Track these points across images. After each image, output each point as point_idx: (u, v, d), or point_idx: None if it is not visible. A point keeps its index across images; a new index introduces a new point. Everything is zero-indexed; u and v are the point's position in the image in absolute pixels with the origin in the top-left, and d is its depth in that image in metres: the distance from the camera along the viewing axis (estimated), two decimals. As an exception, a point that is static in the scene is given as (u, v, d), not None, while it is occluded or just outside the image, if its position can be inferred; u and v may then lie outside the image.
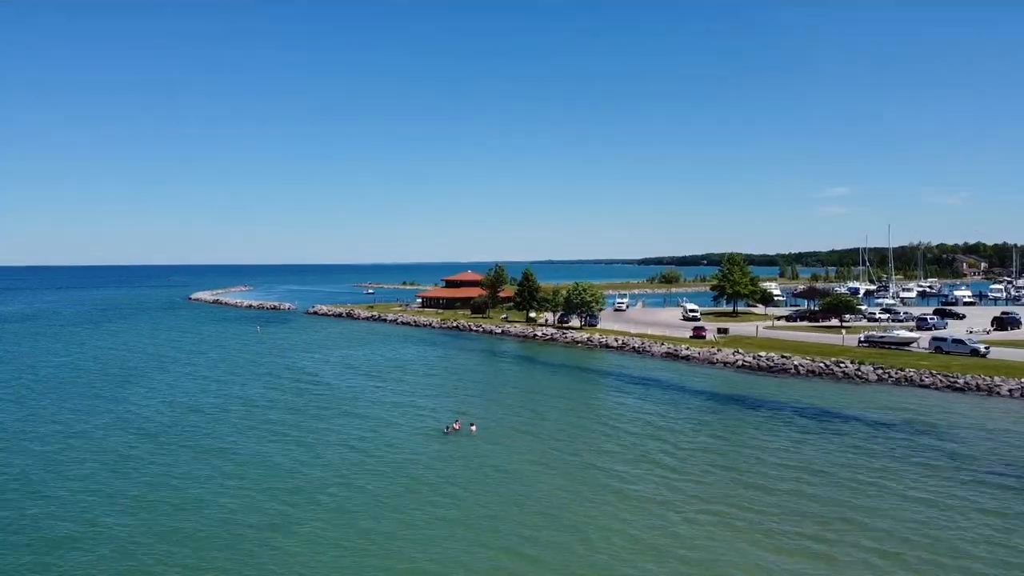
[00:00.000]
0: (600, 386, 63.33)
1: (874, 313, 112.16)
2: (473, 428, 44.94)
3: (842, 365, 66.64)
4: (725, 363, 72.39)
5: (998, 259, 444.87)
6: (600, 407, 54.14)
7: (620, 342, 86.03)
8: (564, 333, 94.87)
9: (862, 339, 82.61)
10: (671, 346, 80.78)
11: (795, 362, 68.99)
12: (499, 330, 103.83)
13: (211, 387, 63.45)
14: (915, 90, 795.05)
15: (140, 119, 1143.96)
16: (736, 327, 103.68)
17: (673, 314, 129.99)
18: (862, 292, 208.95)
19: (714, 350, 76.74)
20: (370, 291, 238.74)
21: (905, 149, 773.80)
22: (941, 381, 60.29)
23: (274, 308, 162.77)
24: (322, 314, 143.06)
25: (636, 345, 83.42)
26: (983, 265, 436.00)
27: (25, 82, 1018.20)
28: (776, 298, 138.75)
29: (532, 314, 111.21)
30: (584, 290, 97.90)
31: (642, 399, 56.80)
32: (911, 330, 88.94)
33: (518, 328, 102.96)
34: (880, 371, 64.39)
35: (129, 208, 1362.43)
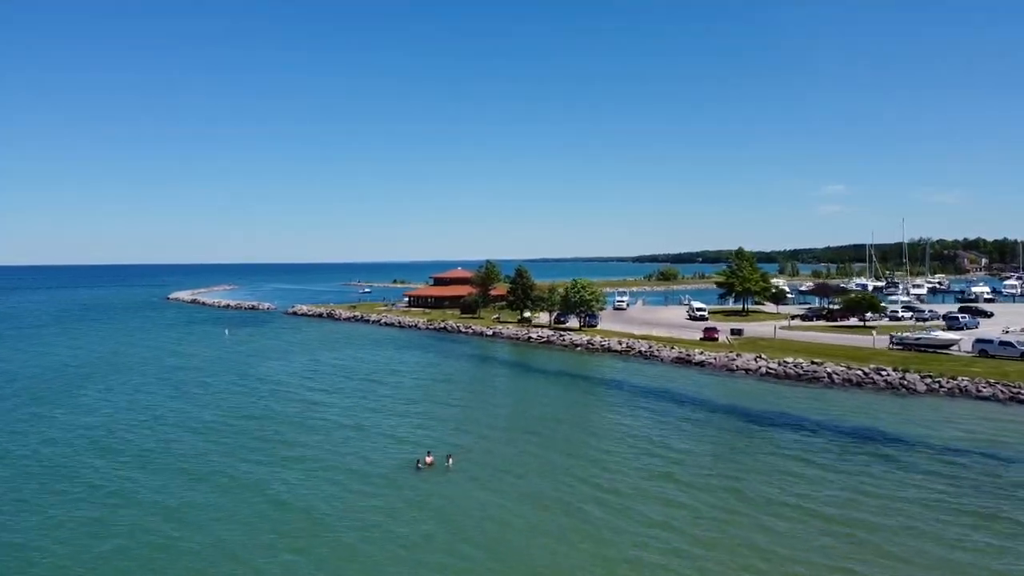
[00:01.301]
0: (603, 399, 54.28)
1: (896, 312, 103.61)
2: (450, 461, 35.87)
3: (884, 373, 57.78)
4: (746, 370, 63.48)
5: (998, 254, 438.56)
6: (603, 427, 45.13)
7: (624, 345, 77.05)
8: (561, 335, 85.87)
9: (893, 341, 73.91)
10: (682, 350, 71.84)
11: (827, 369, 60.12)
12: (490, 332, 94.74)
13: (145, 402, 54.12)
14: (910, 89, 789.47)
15: (140, 119, 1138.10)
16: (749, 327, 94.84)
17: (677, 313, 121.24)
18: (870, 289, 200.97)
19: (732, 355, 67.83)
20: (366, 289, 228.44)
21: (900, 147, 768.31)
22: (1003, 392, 51.56)
23: (252, 308, 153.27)
24: (301, 314, 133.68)
25: (642, 349, 74.46)
26: (984, 261, 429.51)
27: (25, 82, 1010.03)
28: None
29: (527, 313, 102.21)
30: (583, 288, 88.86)
31: (653, 416, 47.80)
32: (943, 330, 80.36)
33: (511, 330, 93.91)
34: (929, 380, 55.58)
35: (129, 208, 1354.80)
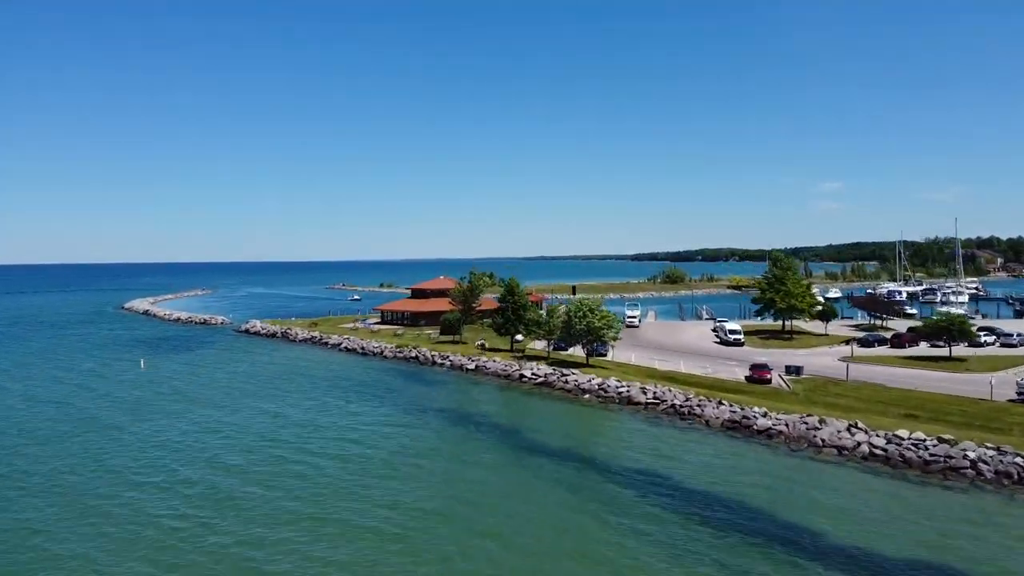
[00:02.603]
0: (634, 523, 33.67)
1: (977, 336, 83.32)
2: None
3: (1062, 463, 37.39)
4: (840, 449, 42.91)
5: (1013, 253, 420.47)
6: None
7: (650, 395, 56.42)
8: (563, 374, 65.29)
9: (1020, 390, 53.60)
10: (734, 407, 51.30)
11: (969, 453, 39.58)
12: (472, 365, 74.16)
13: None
14: (907, 86, 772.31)
15: (142, 118, 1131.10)
16: (803, 358, 74.70)
17: (701, 332, 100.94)
18: (904, 295, 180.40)
19: (810, 419, 47.23)
20: (355, 296, 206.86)
21: (896, 144, 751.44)
22: None
23: (203, 323, 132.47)
24: (254, 332, 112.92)
25: (677, 402, 53.82)
26: (999, 260, 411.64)
27: (25, 82, 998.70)
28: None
29: (519, 337, 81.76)
30: (590, 311, 68.21)
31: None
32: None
33: (499, 362, 73.28)
34: None
35: (131, 207, 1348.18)
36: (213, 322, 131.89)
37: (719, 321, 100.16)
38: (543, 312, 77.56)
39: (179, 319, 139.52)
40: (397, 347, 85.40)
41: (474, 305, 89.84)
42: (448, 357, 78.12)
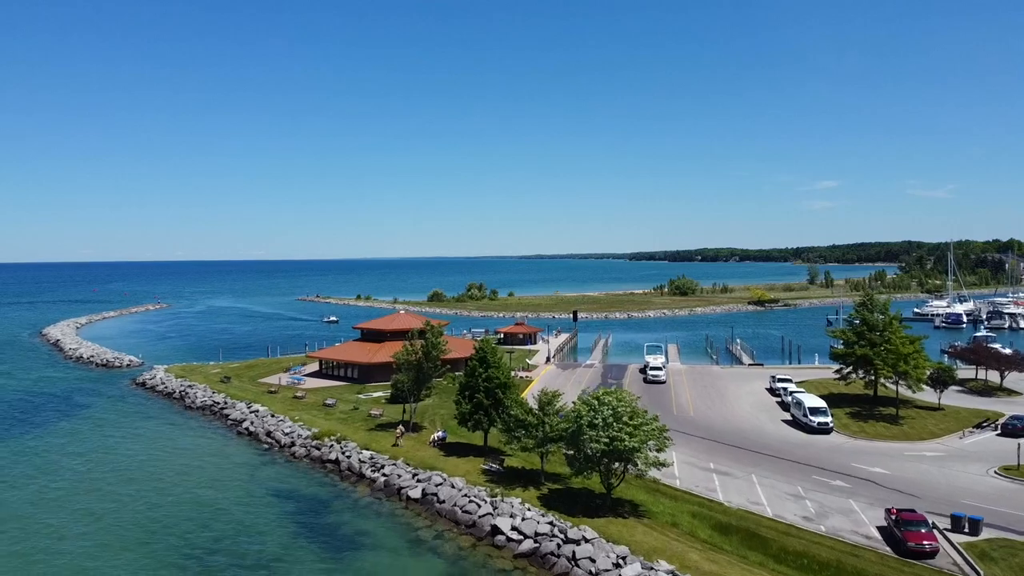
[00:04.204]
0: None
1: None
2: None
3: None
4: None
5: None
6: None
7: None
8: (567, 537, 37.04)
9: None
10: None
11: None
12: (416, 490, 45.71)
13: None
14: (902, 84, 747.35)
15: (141, 118, 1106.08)
16: (931, 463, 47.00)
17: (752, 393, 73.37)
18: (964, 320, 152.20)
19: None
20: (331, 318, 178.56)
21: (891, 143, 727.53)
22: None
23: (104, 365, 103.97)
24: (152, 386, 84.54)
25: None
26: (1022, 265, 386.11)
27: (25, 82, 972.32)
28: None
29: (496, 422, 53.34)
30: (616, 417, 39.71)
31: None
32: None
33: (458, 488, 44.90)
34: None
35: (131, 207, 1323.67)
36: (116, 364, 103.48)
37: (780, 380, 72.20)
38: (532, 402, 49.16)
39: (81, 357, 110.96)
40: (314, 438, 56.94)
41: (435, 364, 61.40)
42: (383, 468, 49.71)
